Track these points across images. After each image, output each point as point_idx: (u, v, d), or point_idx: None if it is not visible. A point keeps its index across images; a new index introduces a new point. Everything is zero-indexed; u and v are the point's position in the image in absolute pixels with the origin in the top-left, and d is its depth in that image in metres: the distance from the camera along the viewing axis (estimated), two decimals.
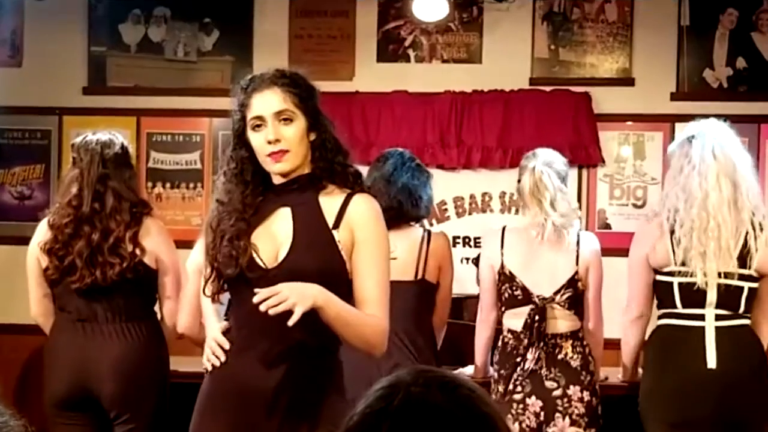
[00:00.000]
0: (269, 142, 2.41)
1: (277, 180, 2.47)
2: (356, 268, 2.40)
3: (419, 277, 3.69)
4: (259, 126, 2.42)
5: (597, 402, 3.56)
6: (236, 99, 2.47)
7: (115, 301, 3.44)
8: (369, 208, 2.45)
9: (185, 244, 3.44)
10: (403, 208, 3.64)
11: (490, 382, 3.63)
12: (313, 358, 2.40)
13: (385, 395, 1.23)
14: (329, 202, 2.45)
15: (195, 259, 3.09)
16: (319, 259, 2.38)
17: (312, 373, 2.39)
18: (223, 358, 2.47)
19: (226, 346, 2.47)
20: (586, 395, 3.52)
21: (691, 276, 3.29)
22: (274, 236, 2.42)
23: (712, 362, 3.26)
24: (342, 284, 2.39)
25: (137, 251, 3.43)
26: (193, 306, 3.49)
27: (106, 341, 3.43)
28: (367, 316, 2.38)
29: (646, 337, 3.55)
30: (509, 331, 3.59)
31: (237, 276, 2.41)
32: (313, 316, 2.30)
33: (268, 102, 2.42)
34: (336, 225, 2.41)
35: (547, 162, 3.58)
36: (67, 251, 3.41)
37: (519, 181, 3.62)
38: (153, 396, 3.50)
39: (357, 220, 2.42)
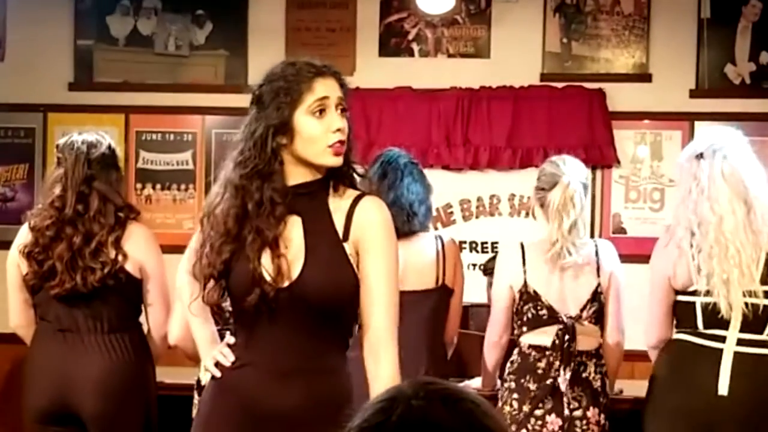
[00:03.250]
0: (338, 130, 2.37)
1: (293, 179, 2.43)
2: (363, 287, 2.40)
3: (440, 282, 3.72)
4: (321, 111, 2.38)
5: (608, 425, 3.59)
6: (282, 84, 2.38)
7: (97, 309, 3.44)
8: (376, 217, 2.42)
9: (176, 249, 3.43)
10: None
11: (496, 396, 3.64)
12: (324, 377, 2.42)
13: (384, 408, 1.23)
14: (337, 207, 2.43)
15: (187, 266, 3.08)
16: (334, 278, 2.37)
17: (323, 391, 2.41)
18: (227, 364, 2.48)
19: (231, 358, 2.48)
20: (602, 419, 3.55)
21: (714, 297, 3.27)
22: (285, 249, 2.39)
23: (723, 389, 3.22)
24: (354, 301, 2.41)
25: (119, 257, 3.43)
26: (186, 316, 3.49)
27: (88, 354, 3.43)
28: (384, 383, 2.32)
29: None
30: (531, 346, 3.58)
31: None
32: (323, 333, 2.36)
33: (333, 87, 2.41)
34: (345, 237, 2.40)
35: (579, 178, 3.55)
36: (47, 255, 3.42)
37: (542, 189, 3.58)
38: (137, 416, 3.48)
39: (363, 231, 2.40)
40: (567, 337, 3.51)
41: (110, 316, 3.47)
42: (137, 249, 3.48)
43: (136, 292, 3.53)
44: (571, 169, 3.57)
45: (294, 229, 2.41)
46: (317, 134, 2.38)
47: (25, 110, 5.40)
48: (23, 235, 3.51)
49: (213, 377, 2.52)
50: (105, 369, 3.42)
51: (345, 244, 2.40)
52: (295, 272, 2.38)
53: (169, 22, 5.43)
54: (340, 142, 2.38)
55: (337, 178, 2.44)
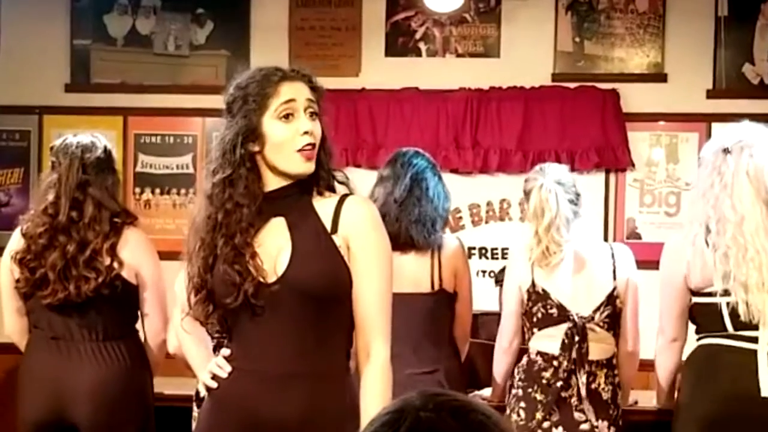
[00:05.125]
0: (306, 132, 2.40)
1: (271, 185, 2.46)
2: (354, 285, 2.43)
3: (436, 288, 3.71)
4: (288, 116, 2.41)
5: None
6: (248, 90, 2.43)
7: (91, 318, 3.45)
8: (365, 214, 2.46)
9: (176, 255, 3.43)
10: (413, 241, 3.67)
11: (505, 407, 3.64)
12: (325, 384, 2.43)
13: (392, 420, 1.23)
14: (323, 206, 2.46)
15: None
16: (323, 268, 2.40)
17: (324, 399, 2.42)
18: (225, 375, 2.49)
19: (228, 369, 2.49)
20: (612, 431, 3.55)
21: (734, 298, 3.25)
22: (268, 249, 2.42)
23: (766, 390, 3.20)
24: (347, 294, 2.43)
25: (114, 264, 3.43)
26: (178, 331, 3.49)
27: (83, 362, 3.43)
28: (386, 391, 2.40)
29: (685, 357, 3.52)
30: (539, 353, 3.59)
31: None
32: (318, 332, 2.39)
33: (300, 90, 2.43)
34: (334, 229, 2.43)
35: (556, 179, 3.58)
36: (40, 263, 3.42)
37: (526, 199, 3.63)
38: (134, 425, 3.50)
39: (353, 227, 2.43)
40: (577, 337, 3.51)
41: (105, 323, 3.48)
42: (133, 255, 3.48)
43: (133, 299, 3.53)
44: (548, 173, 3.60)
45: (277, 230, 2.44)
46: (285, 138, 2.41)
47: (20, 112, 5.41)
48: (15, 241, 3.51)
49: (210, 390, 2.52)
50: (100, 377, 3.43)
51: (334, 236, 2.42)
52: (282, 266, 2.40)
53: (169, 21, 5.44)
54: (310, 145, 2.41)
55: (316, 183, 2.48)
